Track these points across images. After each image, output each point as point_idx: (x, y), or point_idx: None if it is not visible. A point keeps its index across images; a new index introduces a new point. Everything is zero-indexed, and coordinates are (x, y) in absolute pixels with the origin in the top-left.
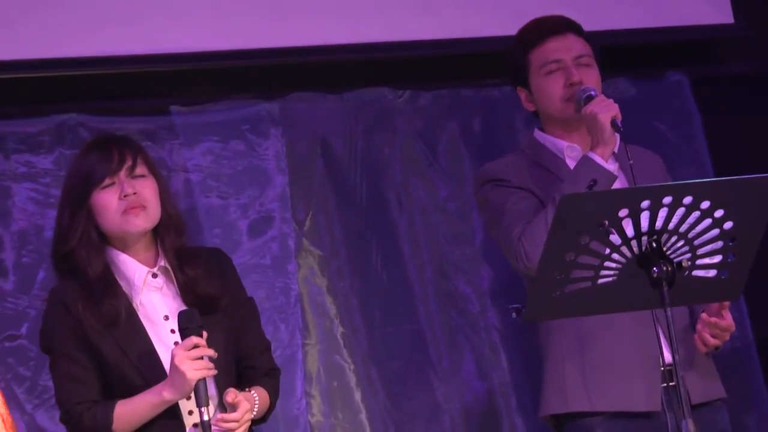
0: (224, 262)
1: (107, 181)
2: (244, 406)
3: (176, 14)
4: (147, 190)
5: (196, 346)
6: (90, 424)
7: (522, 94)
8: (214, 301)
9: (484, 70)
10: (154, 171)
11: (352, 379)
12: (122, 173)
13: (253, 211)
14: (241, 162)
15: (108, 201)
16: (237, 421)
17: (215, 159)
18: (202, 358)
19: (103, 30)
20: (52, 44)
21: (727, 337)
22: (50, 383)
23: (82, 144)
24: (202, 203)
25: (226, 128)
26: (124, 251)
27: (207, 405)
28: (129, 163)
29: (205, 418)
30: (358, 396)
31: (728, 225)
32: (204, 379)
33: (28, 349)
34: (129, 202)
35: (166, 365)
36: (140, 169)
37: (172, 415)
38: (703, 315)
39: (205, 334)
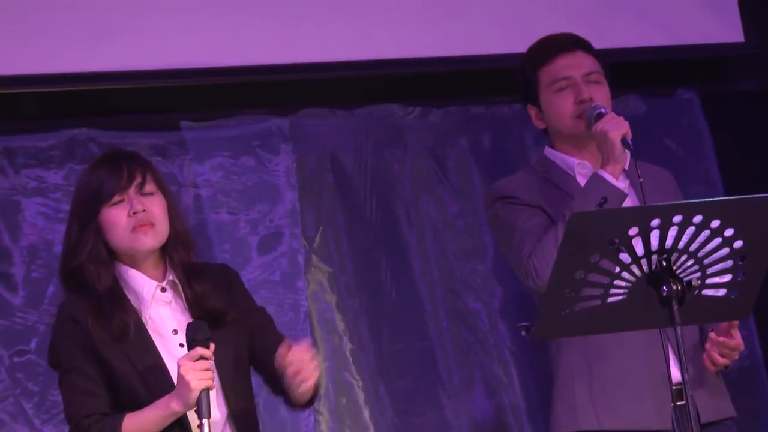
0: (231, 277)
1: (116, 198)
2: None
3: (186, 30)
4: (156, 207)
5: (202, 357)
6: None
7: (532, 111)
8: (221, 316)
9: (494, 87)
10: (162, 188)
11: (361, 396)
12: (131, 190)
13: (263, 227)
14: (251, 177)
15: (117, 218)
16: None
17: (225, 174)
18: (208, 369)
19: (114, 45)
20: (62, 59)
21: (736, 357)
22: (59, 398)
23: (92, 159)
24: (212, 219)
25: (237, 144)
26: (132, 267)
27: (209, 417)
28: (138, 180)
29: (206, 430)
30: (366, 413)
31: (738, 244)
32: (207, 390)
33: (37, 364)
34: (138, 220)
35: (175, 379)
36: (149, 187)
37: (181, 427)
38: (712, 334)
39: (212, 346)
